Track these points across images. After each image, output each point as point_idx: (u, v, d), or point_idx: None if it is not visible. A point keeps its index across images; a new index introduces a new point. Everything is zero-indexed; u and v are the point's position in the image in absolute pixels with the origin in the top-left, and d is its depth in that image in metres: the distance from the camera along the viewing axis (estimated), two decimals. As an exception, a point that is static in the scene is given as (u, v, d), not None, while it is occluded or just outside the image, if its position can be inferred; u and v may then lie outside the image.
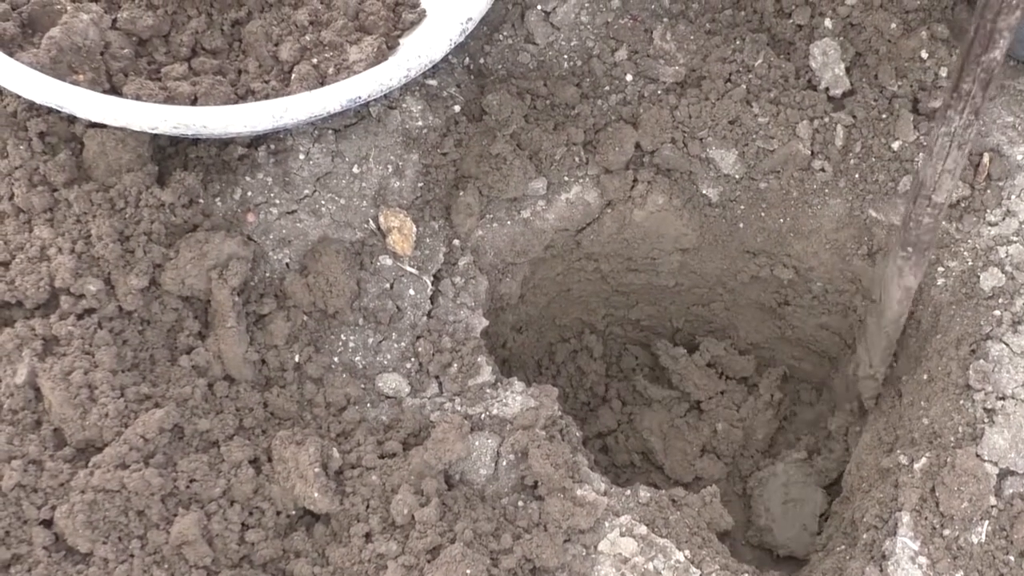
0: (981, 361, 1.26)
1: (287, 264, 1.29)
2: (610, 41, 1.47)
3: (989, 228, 1.34)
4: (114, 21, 1.30)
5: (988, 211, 1.36)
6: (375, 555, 1.13)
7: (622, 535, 1.17)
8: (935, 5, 1.44)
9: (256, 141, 1.32)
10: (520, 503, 1.19)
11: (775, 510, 1.55)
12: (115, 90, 1.26)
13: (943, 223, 1.35)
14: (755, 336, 1.65)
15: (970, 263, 1.33)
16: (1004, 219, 1.34)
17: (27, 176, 1.24)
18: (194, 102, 1.26)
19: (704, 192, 1.45)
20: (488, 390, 1.28)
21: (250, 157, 1.31)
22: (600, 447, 1.67)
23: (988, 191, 1.36)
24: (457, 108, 1.41)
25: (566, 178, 1.43)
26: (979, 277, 1.32)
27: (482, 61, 1.47)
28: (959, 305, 1.32)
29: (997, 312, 1.29)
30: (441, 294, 1.34)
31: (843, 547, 1.28)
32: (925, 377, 1.32)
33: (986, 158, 1.37)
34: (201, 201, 1.28)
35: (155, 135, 1.26)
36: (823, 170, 1.42)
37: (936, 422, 1.26)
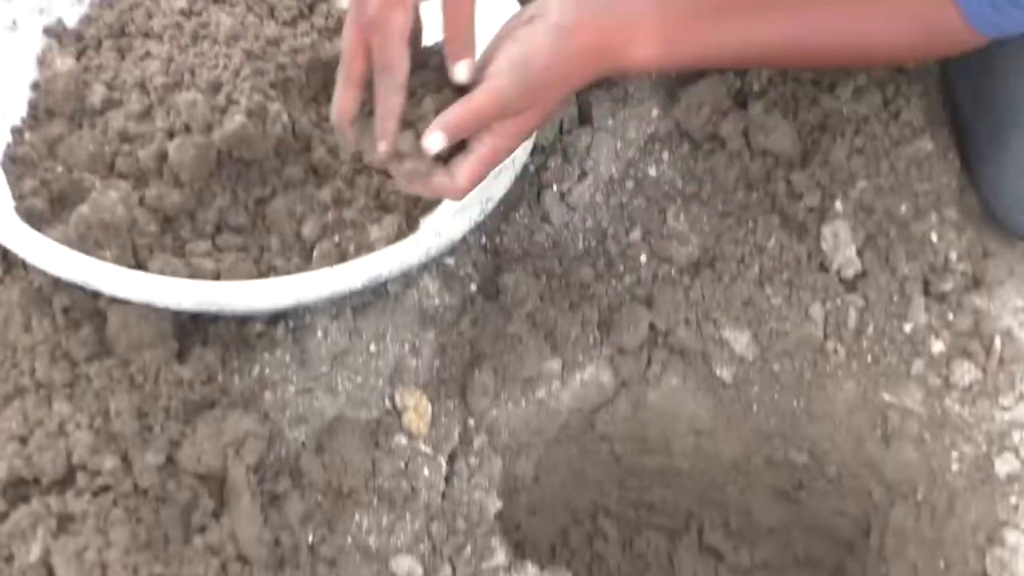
0: (998, 549, 1.25)
1: (303, 443, 1.29)
2: (624, 222, 1.49)
3: (1003, 412, 1.34)
4: (141, 198, 1.31)
5: (1001, 395, 1.35)
6: None
7: None
8: (944, 189, 1.46)
9: (275, 318, 1.33)
10: None
11: None
12: (140, 266, 1.27)
13: (956, 407, 1.35)
14: (769, 520, 1.63)
15: (984, 448, 1.33)
16: (1017, 403, 1.34)
17: (49, 351, 1.25)
18: (217, 278, 1.27)
19: (718, 373, 1.46)
20: (502, 574, 1.27)
21: (268, 334, 1.32)
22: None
23: (1001, 375, 1.36)
24: (473, 287, 1.42)
25: (581, 358, 1.44)
26: (994, 463, 1.31)
27: (498, 240, 1.48)
28: (974, 491, 1.31)
29: (1013, 499, 1.28)
30: (455, 474, 1.34)
31: None
32: (942, 565, 1.30)
33: (998, 341, 1.37)
34: (220, 378, 1.29)
35: (177, 311, 1.27)
36: (836, 352, 1.43)
37: (955, 612, 1.24)
